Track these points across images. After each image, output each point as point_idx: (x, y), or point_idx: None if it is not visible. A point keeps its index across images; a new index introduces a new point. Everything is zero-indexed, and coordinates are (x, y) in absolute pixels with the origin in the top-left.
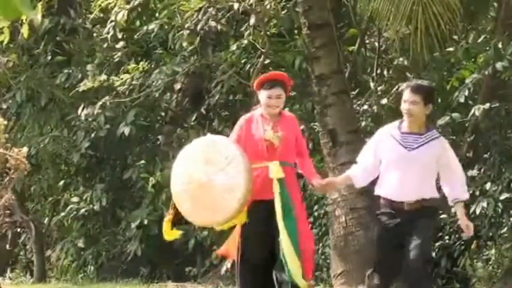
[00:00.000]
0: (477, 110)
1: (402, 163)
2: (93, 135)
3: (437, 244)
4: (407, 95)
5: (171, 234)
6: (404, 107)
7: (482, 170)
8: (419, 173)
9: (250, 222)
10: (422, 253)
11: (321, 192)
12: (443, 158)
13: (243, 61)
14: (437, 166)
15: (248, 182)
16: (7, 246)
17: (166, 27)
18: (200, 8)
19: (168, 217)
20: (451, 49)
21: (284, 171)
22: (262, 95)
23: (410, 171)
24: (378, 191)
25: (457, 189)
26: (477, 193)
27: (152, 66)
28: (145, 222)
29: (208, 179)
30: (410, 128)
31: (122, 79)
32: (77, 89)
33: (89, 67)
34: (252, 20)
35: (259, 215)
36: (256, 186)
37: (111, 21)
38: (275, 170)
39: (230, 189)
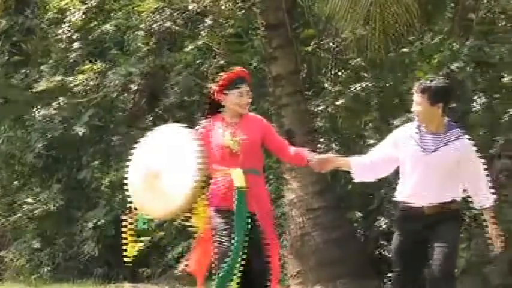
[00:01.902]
0: None
1: (421, 166)
2: (48, 135)
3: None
4: (414, 96)
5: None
6: (412, 108)
7: None
8: (439, 176)
9: (218, 234)
10: (446, 267)
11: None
12: (465, 160)
13: (198, 62)
14: (459, 167)
15: (202, 165)
16: None
17: (121, 27)
18: (156, 9)
19: (128, 227)
20: (406, 50)
21: (248, 179)
22: (231, 95)
23: (430, 175)
24: (397, 195)
25: (482, 193)
26: None
27: (107, 66)
28: (101, 222)
29: (164, 168)
30: (428, 128)
31: (77, 79)
32: (32, 89)
33: (44, 67)
34: (208, 21)
35: (225, 226)
36: (218, 196)
37: (67, 22)
38: (237, 179)
39: (184, 176)
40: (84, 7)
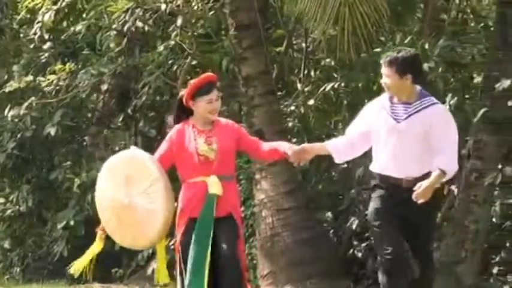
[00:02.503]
0: None
1: (394, 136)
2: (19, 135)
3: (363, 245)
4: (382, 69)
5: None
6: (382, 81)
7: None
8: (413, 145)
9: (187, 246)
10: (424, 257)
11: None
12: (434, 127)
13: (170, 62)
14: (430, 135)
15: (167, 209)
16: None
17: (93, 28)
18: (127, 9)
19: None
20: (378, 50)
21: (222, 186)
22: (201, 102)
23: (404, 144)
24: (373, 166)
25: (441, 157)
26: None
27: (79, 67)
28: (72, 223)
29: (129, 200)
30: (399, 98)
31: (48, 80)
32: (2, 89)
33: (15, 68)
34: (179, 21)
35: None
36: (192, 203)
37: (38, 22)
38: (214, 186)
39: (151, 214)
40: (55, 7)
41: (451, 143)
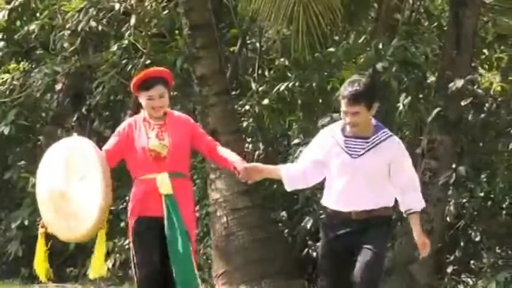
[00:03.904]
0: None
1: (348, 171)
2: None
3: (318, 244)
4: (345, 106)
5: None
6: (346, 118)
7: None
8: (367, 180)
9: (137, 245)
10: (368, 275)
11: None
12: (395, 162)
13: (124, 61)
14: (388, 170)
15: (104, 196)
16: None
17: (47, 27)
18: (81, 9)
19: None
20: (331, 49)
21: (174, 184)
22: (142, 97)
23: (358, 180)
24: (324, 201)
25: (410, 197)
26: None
27: (33, 66)
28: (26, 222)
29: (67, 188)
30: (355, 131)
31: (2, 79)
32: None
33: None
34: (133, 20)
35: (149, 235)
36: (143, 202)
37: None
38: (163, 184)
39: (88, 202)
40: (9, 6)
41: (415, 178)
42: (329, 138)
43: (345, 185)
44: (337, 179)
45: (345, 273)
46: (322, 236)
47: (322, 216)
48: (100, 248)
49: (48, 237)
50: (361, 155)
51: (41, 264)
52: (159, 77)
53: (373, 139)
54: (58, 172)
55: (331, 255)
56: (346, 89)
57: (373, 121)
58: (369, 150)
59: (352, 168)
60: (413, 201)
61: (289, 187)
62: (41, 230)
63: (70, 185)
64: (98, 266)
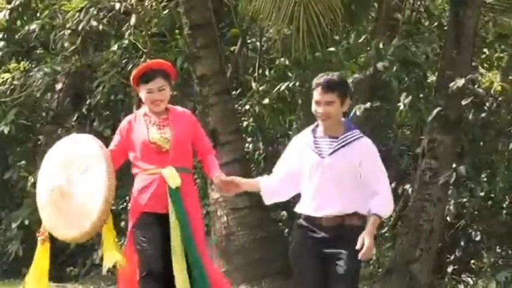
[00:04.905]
0: (358, 110)
1: (317, 173)
2: None
3: None
4: (318, 94)
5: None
6: (317, 110)
7: None
8: (337, 182)
9: (141, 239)
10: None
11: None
12: (365, 163)
13: (124, 61)
14: (359, 173)
15: (108, 190)
16: None
17: (47, 27)
18: (82, 8)
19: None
20: (332, 49)
21: (181, 178)
22: (142, 90)
23: (326, 181)
24: (297, 207)
25: (376, 200)
26: None
27: (33, 66)
28: (27, 222)
29: (67, 183)
30: (325, 131)
31: (2, 78)
32: None
33: None
34: (133, 20)
35: (153, 232)
36: (147, 197)
37: None
38: (171, 177)
39: (91, 196)
40: (9, 6)
41: (384, 181)
42: (299, 142)
43: (315, 187)
44: (307, 181)
45: (316, 282)
46: (293, 239)
47: (296, 222)
48: (108, 237)
49: (52, 242)
50: (330, 154)
51: (42, 269)
52: (159, 69)
53: (343, 138)
54: (56, 170)
55: (302, 257)
56: (320, 78)
57: (344, 121)
58: (338, 149)
59: (321, 168)
60: (377, 204)
61: (267, 201)
62: (41, 238)
63: (71, 180)
64: (110, 253)
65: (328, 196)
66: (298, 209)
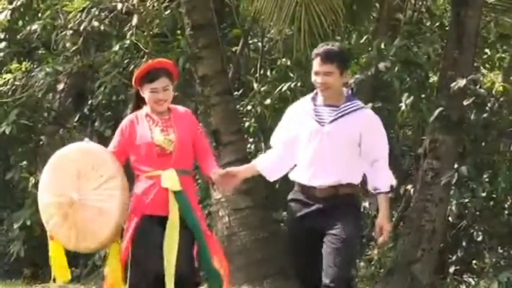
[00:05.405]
0: None
1: (315, 140)
2: None
3: None
4: (317, 65)
5: (63, 273)
6: (317, 80)
7: None
8: (335, 151)
9: (139, 243)
10: (341, 272)
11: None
12: (366, 133)
13: (126, 61)
14: (358, 143)
15: (121, 209)
16: None
17: (49, 27)
18: (83, 9)
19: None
20: None
21: (182, 181)
22: (145, 89)
23: (324, 150)
24: (292, 174)
25: (379, 174)
26: None
27: (35, 66)
28: (28, 223)
29: (80, 197)
30: (325, 100)
31: (4, 79)
32: None
33: None
34: (135, 20)
35: (152, 235)
36: (148, 199)
37: None
38: (170, 181)
39: (102, 213)
40: (11, 6)
41: (385, 152)
42: (298, 109)
43: (311, 154)
44: (305, 149)
45: (312, 258)
46: (288, 213)
47: (290, 193)
48: (114, 260)
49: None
50: (330, 122)
51: (61, 264)
52: (164, 68)
53: (344, 107)
54: (68, 179)
55: (297, 237)
56: (319, 48)
57: (347, 91)
58: (338, 118)
59: (319, 136)
60: (381, 180)
61: (270, 178)
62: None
63: (83, 193)
64: (115, 277)
65: (324, 165)
66: (293, 175)
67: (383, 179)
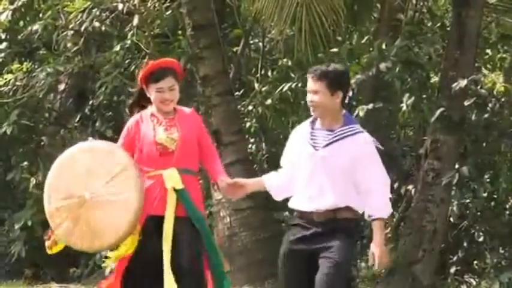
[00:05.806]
0: (361, 111)
1: (310, 165)
2: None
3: None
4: (308, 83)
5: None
6: (307, 98)
7: None
8: (330, 176)
9: (141, 244)
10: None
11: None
12: (360, 159)
13: (127, 62)
14: (353, 169)
15: (140, 199)
16: None
17: (50, 27)
18: (84, 9)
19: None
20: (335, 50)
21: (184, 180)
22: (151, 89)
23: (319, 175)
24: (291, 202)
25: (373, 201)
26: None
27: (36, 66)
28: (29, 223)
29: (92, 195)
30: (323, 123)
31: (5, 79)
32: None
33: None
34: (136, 21)
35: (155, 235)
36: (151, 199)
37: None
38: (171, 179)
39: (118, 206)
40: (12, 7)
41: (380, 179)
42: (297, 134)
43: (307, 179)
44: (300, 175)
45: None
46: (283, 241)
47: (290, 219)
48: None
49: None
50: (324, 146)
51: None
52: (170, 68)
53: (340, 131)
54: (77, 179)
55: (287, 262)
56: (314, 67)
57: (343, 113)
58: (333, 142)
59: (314, 161)
60: (376, 206)
61: (277, 197)
62: (49, 242)
63: (95, 190)
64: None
65: (320, 189)
66: (291, 203)
67: (379, 206)
